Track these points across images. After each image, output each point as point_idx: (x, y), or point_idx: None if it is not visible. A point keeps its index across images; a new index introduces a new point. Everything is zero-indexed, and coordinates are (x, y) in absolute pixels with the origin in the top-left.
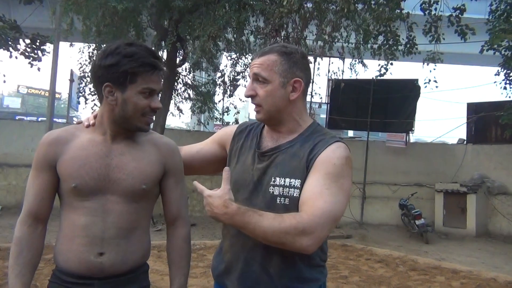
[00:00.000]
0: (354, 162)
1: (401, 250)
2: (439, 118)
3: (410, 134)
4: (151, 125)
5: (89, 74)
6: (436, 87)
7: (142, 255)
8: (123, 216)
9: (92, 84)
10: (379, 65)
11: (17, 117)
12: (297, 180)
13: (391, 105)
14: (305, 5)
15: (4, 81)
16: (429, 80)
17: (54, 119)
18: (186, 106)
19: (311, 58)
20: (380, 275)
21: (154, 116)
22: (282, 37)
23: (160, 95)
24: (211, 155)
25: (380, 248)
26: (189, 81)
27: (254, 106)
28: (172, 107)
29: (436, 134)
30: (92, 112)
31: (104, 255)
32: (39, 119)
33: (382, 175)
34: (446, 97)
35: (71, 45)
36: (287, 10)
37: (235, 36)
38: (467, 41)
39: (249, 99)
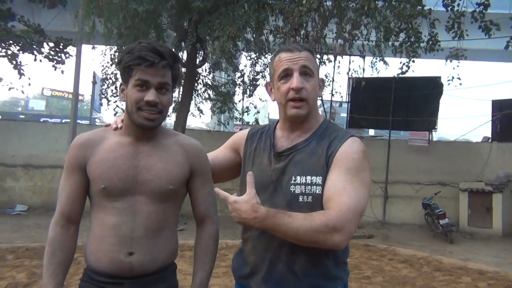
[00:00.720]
0: (375, 161)
1: (425, 250)
2: (463, 116)
3: (433, 133)
4: (171, 125)
5: None
6: (460, 84)
7: (170, 254)
8: (152, 216)
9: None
10: (400, 62)
11: (42, 119)
12: (318, 177)
13: (413, 103)
14: (325, 4)
15: (29, 84)
16: (453, 77)
17: (78, 121)
18: (206, 106)
19: (331, 57)
20: (404, 275)
21: (158, 111)
22: (302, 36)
23: (180, 92)
24: (226, 162)
25: (403, 248)
26: (209, 82)
27: (293, 101)
28: (192, 108)
29: (459, 132)
30: (119, 116)
31: (134, 255)
32: (63, 121)
33: (404, 174)
34: (470, 94)
35: (93, 47)
36: (306, 8)
37: (254, 36)
38: (492, 37)
39: (269, 98)
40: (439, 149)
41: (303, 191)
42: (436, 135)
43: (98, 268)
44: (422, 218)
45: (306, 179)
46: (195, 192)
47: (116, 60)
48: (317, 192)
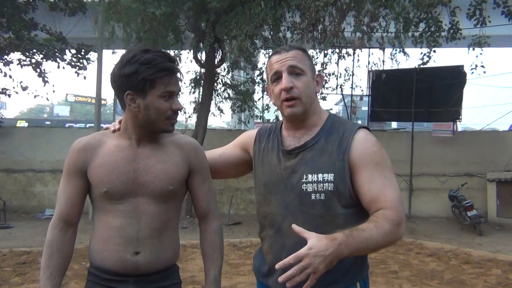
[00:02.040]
0: (399, 154)
1: (453, 243)
2: (488, 105)
3: (458, 123)
4: (193, 125)
5: (110, 82)
6: (484, 72)
7: (174, 253)
8: (155, 216)
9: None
10: (421, 53)
11: (67, 125)
12: (329, 174)
13: (435, 94)
14: None
15: (54, 91)
16: (476, 66)
17: (101, 125)
18: (226, 105)
19: (350, 51)
20: (432, 269)
21: (177, 117)
22: (319, 31)
23: (199, 92)
24: (233, 158)
25: (430, 241)
26: (228, 81)
27: (286, 101)
28: (212, 107)
29: (485, 121)
30: (117, 119)
31: (140, 254)
32: (87, 125)
33: (429, 166)
34: (495, 82)
35: (113, 52)
36: (323, 3)
37: (271, 33)
38: None
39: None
40: (464, 139)
41: (315, 189)
42: (461, 125)
43: (103, 266)
44: (449, 210)
45: (317, 177)
46: (195, 189)
47: (119, 67)
48: (329, 189)
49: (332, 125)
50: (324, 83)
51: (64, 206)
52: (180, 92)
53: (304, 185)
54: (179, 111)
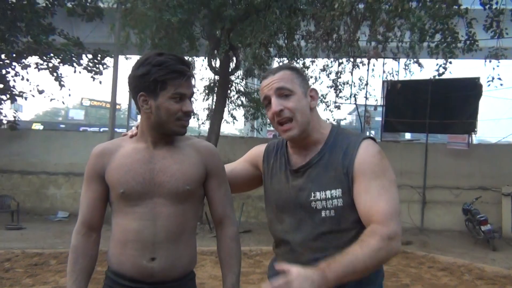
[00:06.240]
0: (412, 166)
1: (465, 257)
2: (504, 117)
3: (473, 135)
4: (205, 131)
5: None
6: (501, 84)
7: (190, 260)
8: (172, 218)
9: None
10: (437, 64)
11: (81, 129)
12: (337, 190)
13: (451, 106)
14: (357, 7)
15: (69, 95)
16: (493, 78)
17: (116, 129)
18: (240, 113)
19: (364, 60)
20: (444, 283)
21: (189, 120)
22: (334, 40)
23: (213, 99)
24: (245, 174)
25: (443, 255)
26: (242, 88)
27: (280, 124)
28: (226, 114)
29: (501, 134)
30: (132, 124)
31: (155, 261)
32: (101, 129)
33: (443, 179)
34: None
35: (127, 58)
36: (338, 12)
37: (286, 41)
38: None
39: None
40: (479, 152)
41: (325, 206)
42: (476, 138)
43: (119, 271)
44: (462, 224)
45: (325, 194)
46: (212, 193)
47: (133, 69)
48: (338, 205)
49: (335, 138)
50: (337, 92)
51: (86, 211)
52: (193, 96)
53: (313, 203)
54: (191, 114)
